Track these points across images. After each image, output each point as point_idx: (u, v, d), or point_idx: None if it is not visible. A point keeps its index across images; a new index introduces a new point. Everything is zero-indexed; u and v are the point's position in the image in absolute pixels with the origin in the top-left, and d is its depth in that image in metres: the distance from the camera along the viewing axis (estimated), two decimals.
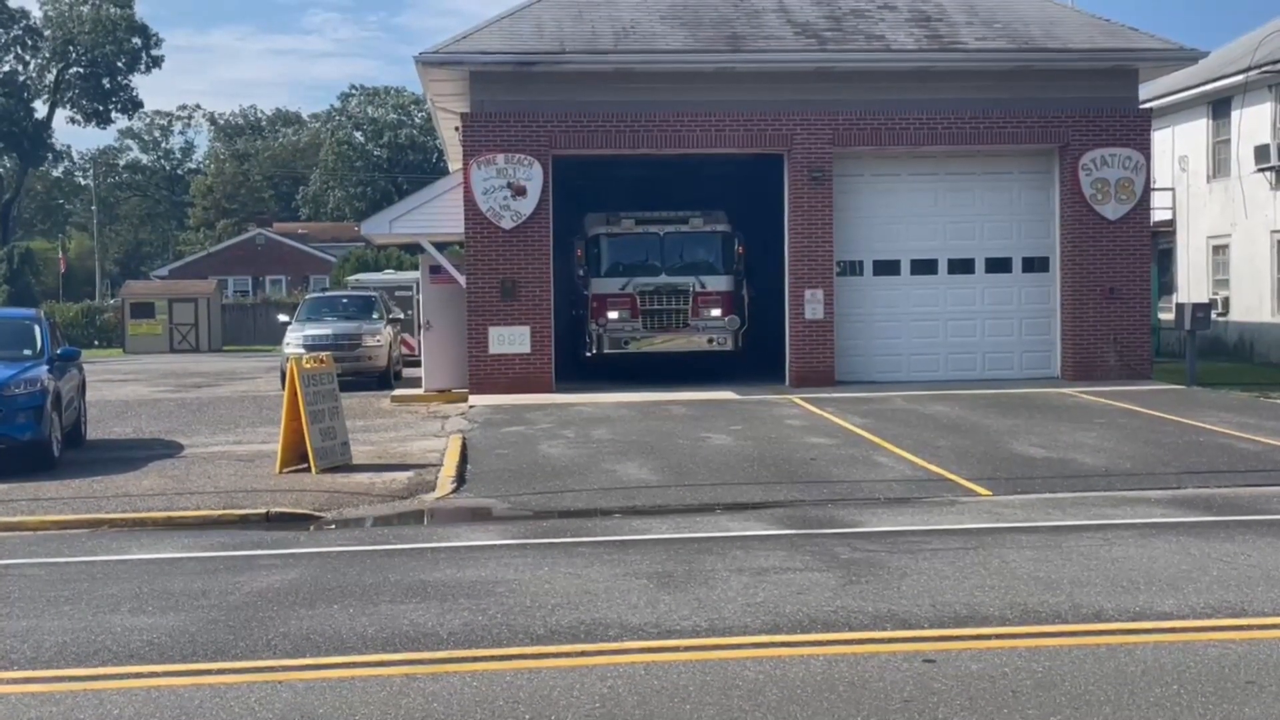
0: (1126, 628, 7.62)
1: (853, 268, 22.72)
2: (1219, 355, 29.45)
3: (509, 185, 21.58)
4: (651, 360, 22.88)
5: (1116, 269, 22.37)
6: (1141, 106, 23.34)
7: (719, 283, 22.98)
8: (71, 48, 70.52)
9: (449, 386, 22.80)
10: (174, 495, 12.96)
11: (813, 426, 17.09)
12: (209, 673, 7.06)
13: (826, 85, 22.09)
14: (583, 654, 7.26)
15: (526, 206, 21.60)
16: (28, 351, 15.79)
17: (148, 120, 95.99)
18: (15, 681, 7.00)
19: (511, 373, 21.54)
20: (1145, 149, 22.68)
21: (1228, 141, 30.41)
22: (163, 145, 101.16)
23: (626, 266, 23.04)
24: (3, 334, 16.32)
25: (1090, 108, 22.38)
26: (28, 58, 71.96)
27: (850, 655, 7.18)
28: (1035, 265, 22.95)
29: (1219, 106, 30.74)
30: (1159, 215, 30.36)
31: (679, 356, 22.86)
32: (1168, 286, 32.55)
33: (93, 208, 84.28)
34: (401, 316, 30.50)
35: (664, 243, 23.09)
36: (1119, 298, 22.34)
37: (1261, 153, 28.47)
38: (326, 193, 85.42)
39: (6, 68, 71.08)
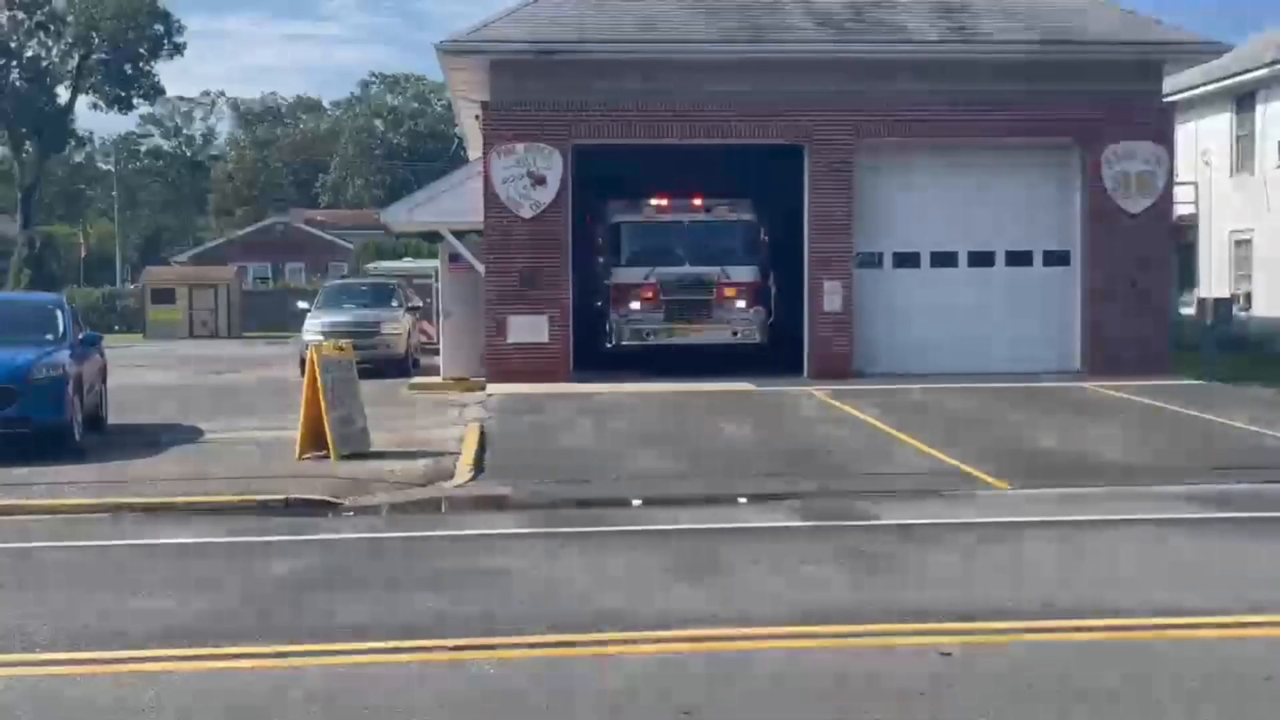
0: (1145, 623, 7.58)
1: (872, 259, 22.58)
2: (1241, 350, 29.22)
3: (529, 174, 21.55)
4: (670, 351, 22.66)
5: (1138, 263, 22.24)
6: (1165, 100, 23.17)
7: (744, 273, 22.65)
8: (94, 34, 70.59)
9: (467, 375, 22.80)
10: (193, 481, 13.01)
11: (831, 418, 17.06)
12: (226, 657, 7.08)
13: (847, 76, 21.97)
14: (599, 643, 7.26)
15: (546, 195, 21.58)
16: (50, 336, 15.85)
17: (170, 106, 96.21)
18: (36, 664, 7.04)
19: (530, 362, 21.50)
20: (1168, 143, 22.51)
21: (1251, 136, 30.20)
22: (184, 131, 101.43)
23: (649, 255, 22.71)
24: (25, 319, 16.42)
25: (1113, 100, 22.21)
26: (50, 43, 72.08)
27: (867, 648, 7.18)
28: (1056, 258, 22.79)
29: (1243, 101, 30.54)
30: (1181, 209, 30.10)
31: (700, 348, 22.62)
32: (1189, 281, 32.38)
33: (114, 193, 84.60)
34: (420, 304, 30.51)
35: (688, 231, 22.76)
36: (1140, 292, 22.20)
37: None
38: (346, 180, 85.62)
39: (29, 53, 71.20)
